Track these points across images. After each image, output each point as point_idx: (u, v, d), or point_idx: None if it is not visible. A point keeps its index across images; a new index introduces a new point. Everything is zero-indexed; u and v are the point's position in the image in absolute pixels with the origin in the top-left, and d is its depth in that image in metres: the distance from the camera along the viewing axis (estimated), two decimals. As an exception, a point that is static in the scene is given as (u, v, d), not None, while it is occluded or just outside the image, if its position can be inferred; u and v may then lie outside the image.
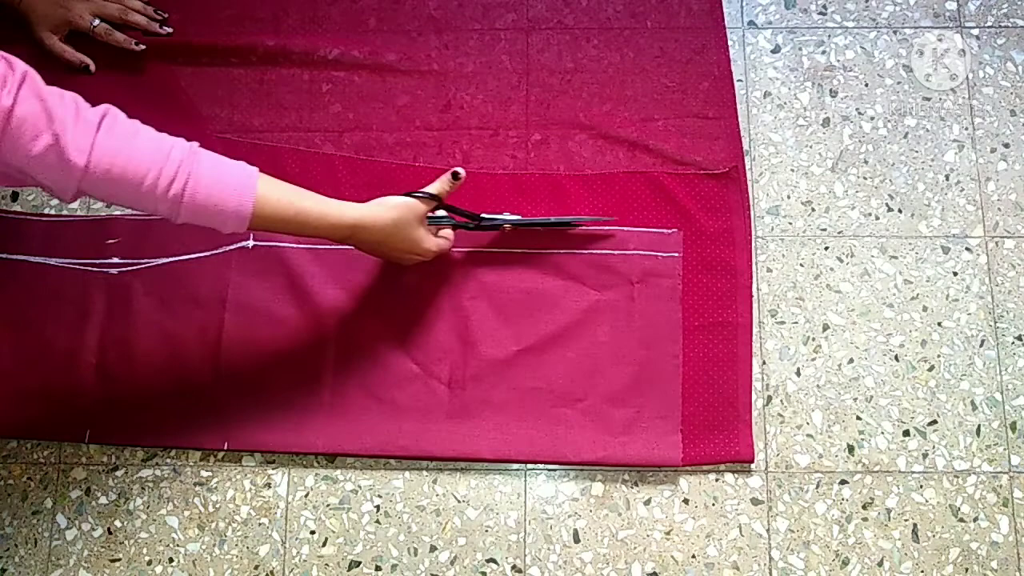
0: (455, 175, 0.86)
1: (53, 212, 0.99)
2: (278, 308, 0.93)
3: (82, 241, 0.96)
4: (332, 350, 0.92)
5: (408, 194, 0.83)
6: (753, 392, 0.92)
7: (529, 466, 0.91)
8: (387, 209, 0.81)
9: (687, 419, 0.90)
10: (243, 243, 0.95)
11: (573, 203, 0.96)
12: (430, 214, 0.86)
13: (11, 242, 0.96)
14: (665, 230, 0.95)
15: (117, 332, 0.93)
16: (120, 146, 0.66)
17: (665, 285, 0.93)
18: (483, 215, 0.91)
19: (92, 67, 0.99)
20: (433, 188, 0.85)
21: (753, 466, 0.90)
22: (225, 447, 0.90)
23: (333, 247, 0.94)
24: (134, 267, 0.95)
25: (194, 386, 0.92)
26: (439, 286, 0.94)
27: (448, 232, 0.89)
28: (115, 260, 0.95)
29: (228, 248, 0.95)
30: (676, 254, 0.94)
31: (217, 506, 0.91)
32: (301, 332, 0.93)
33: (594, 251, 0.95)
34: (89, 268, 0.95)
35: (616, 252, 0.94)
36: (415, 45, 1.02)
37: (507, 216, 0.92)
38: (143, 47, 1.00)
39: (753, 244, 0.96)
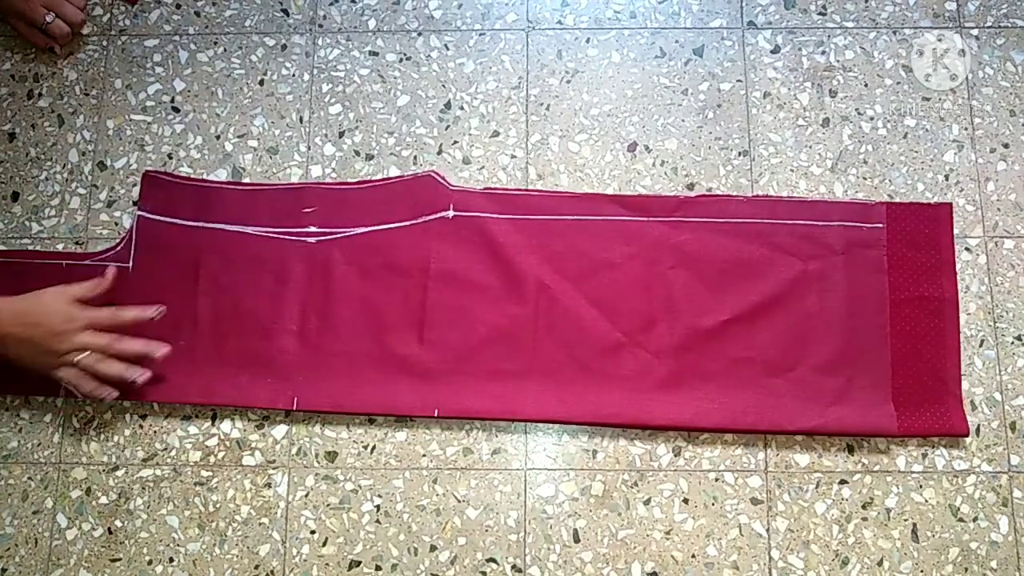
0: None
1: (248, 180, 0.98)
2: (480, 277, 0.93)
3: (277, 210, 0.96)
4: (536, 319, 0.92)
5: None
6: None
7: (529, 465, 0.91)
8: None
9: (896, 391, 0.90)
10: (443, 213, 0.95)
11: None
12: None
13: (207, 211, 0.96)
14: (868, 201, 0.95)
15: (318, 300, 0.93)
16: None
17: (870, 256, 0.93)
18: None
19: (59, 50, 1.01)
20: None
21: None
22: (436, 414, 0.90)
23: (533, 217, 0.94)
24: (332, 236, 0.95)
25: (399, 355, 0.92)
26: (637, 256, 0.94)
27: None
28: (312, 229, 0.95)
29: (428, 218, 0.95)
30: (880, 225, 0.94)
31: (217, 506, 0.91)
32: (504, 301, 0.93)
33: (797, 221, 0.94)
34: (286, 237, 0.95)
35: (819, 223, 0.94)
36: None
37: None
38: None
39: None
